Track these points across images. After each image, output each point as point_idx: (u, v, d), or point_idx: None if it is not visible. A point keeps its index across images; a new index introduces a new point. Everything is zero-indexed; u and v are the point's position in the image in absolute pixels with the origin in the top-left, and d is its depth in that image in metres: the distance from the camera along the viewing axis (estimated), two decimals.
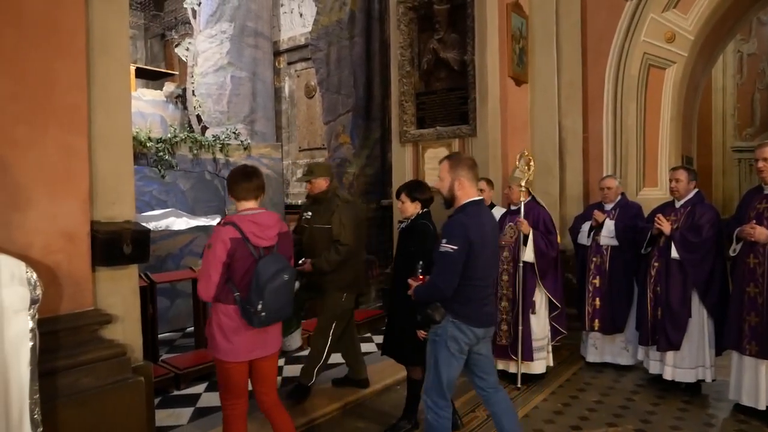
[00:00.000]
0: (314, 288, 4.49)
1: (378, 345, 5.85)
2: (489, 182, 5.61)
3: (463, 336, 3.10)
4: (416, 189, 3.93)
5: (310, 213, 4.63)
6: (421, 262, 3.37)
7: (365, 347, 5.45)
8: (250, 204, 3.11)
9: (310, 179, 4.53)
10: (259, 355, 3.12)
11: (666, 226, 4.63)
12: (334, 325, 4.49)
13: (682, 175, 4.73)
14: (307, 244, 4.55)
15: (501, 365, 5.04)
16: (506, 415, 3.25)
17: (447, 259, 3.00)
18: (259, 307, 2.91)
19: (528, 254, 4.82)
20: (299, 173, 10.00)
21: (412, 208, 3.89)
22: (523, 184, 4.89)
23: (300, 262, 4.38)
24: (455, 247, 2.98)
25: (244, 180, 3.10)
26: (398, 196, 3.98)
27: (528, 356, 4.86)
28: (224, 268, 2.95)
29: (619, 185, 5.48)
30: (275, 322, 3.11)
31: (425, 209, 3.94)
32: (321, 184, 4.51)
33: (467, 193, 3.16)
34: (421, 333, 3.56)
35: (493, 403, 3.28)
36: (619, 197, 5.41)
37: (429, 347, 3.24)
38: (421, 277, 3.31)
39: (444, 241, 3.04)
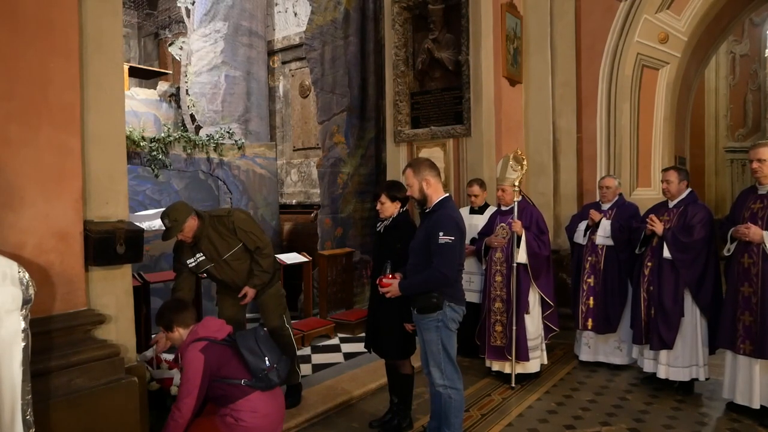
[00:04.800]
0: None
1: None
2: (481, 184, 5.61)
3: (457, 315, 3.50)
4: (395, 188, 3.99)
5: (201, 254, 4.06)
6: (389, 261, 3.63)
7: (359, 346, 5.44)
8: (193, 324, 3.28)
9: (181, 229, 3.90)
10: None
11: (658, 227, 4.65)
12: (284, 315, 4.42)
13: (673, 175, 4.75)
14: (225, 280, 4.16)
15: (496, 366, 5.04)
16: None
17: (449, 248, 3.32)
18: (267, 362, 3.13)
19: (521, 255, 4.83)
20: (293, 173, 9.98)
21: (392, 208, 3.95)
22: (516, 183, 4.89)
23: (240, 295, 4.15)
24: (453, 237, 3.33)
25: (187, 307, 3.33)
26: (377, 198, 4.01)
27: (524, 356, 4.87)
28: (202, 387, 3.01)
29: (618, 185, 5.48)
30: (286, 373, 3.32)
31: (404, 208, 4.01)
32: (192, 224, 3.94)
33: (436, 189, 3.52)
34: (410, 327, 3.77)
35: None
36: (617, 197, 5.43)
37: (432, 335, 3.47)
38: (390, 275, 3.55)
39: (441, 233, 3.32)
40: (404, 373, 4.02)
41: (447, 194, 3.56)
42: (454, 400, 3.49)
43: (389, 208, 3.94)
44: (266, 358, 3.14)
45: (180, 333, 3.22)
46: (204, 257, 4.08)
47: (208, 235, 4.03)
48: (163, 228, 3.96)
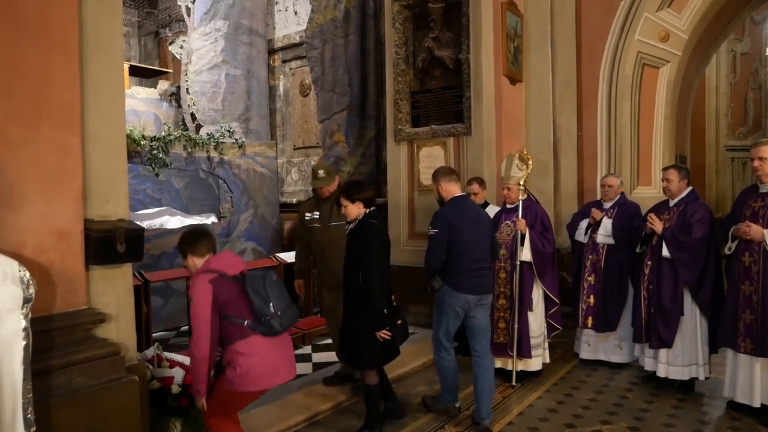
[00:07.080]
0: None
1: None
2: (481, 183, 5.61)
3: (455, 300, 3.96)
4: (353, 190, 3.81)
5: (317, 213, 4.60)
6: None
7: None
8: (209, 255, 3.21)
9: (328, 183, 4.53)
10: (291, 377, 3.23)
11: (658, 226, 4.65)
12: None
13: (673, 174, 4.75)
14: (320, 244, 4.56)
15: (499, 363, 5.02)
16: (485, 375, 4.03)
17: (432, 240, 3.94)
18: (272, 308, 3.05)
19: (525, 254, 4.83)
20: (294, 172, 9.98)
21: (355, 210, 3.79)
22: (522, 182, 4.91)
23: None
24: (436, 230, 3.90)
25: (203, 238, 3.24)
26: (339, 202, 3.92)
27: (526, 353, 4.87)
28: (213, 316, 2.97)
29: (620, 185, 5.48)
30: (292, 323, 3.22)
31: (371, 208, 3.85)
32: (335, 185, 4.56)
33: (450, 191, 4.09)
34: (380, 334, 3.68)
35: (479, 363, 4.05)
36: (618, 196, 5.43)
37: (435, 307, 4.10)
38: None
39: (430, 228, 3.95)
40: (366, 382, 3.88)
41: (458, 194, 4.08)
42: (438, 364, 4.13)
43: (352, 210, 3.79)
44: (271, 304, 3.06)
45: (194, 262, 3.18)
46: (318, 217, 4.59)
47: (335, 200, 4.31)
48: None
